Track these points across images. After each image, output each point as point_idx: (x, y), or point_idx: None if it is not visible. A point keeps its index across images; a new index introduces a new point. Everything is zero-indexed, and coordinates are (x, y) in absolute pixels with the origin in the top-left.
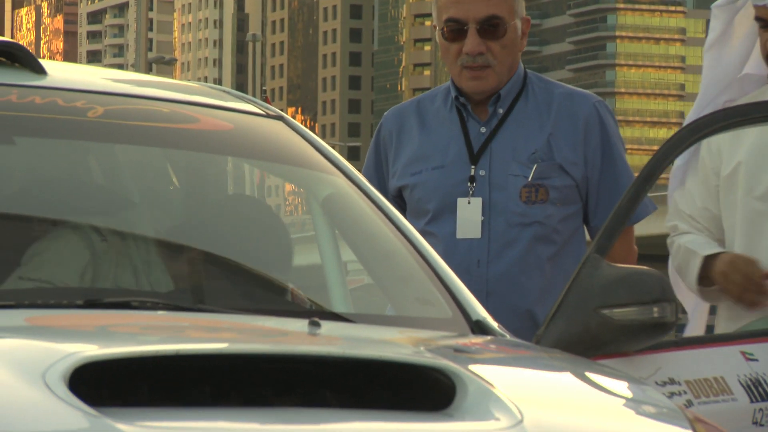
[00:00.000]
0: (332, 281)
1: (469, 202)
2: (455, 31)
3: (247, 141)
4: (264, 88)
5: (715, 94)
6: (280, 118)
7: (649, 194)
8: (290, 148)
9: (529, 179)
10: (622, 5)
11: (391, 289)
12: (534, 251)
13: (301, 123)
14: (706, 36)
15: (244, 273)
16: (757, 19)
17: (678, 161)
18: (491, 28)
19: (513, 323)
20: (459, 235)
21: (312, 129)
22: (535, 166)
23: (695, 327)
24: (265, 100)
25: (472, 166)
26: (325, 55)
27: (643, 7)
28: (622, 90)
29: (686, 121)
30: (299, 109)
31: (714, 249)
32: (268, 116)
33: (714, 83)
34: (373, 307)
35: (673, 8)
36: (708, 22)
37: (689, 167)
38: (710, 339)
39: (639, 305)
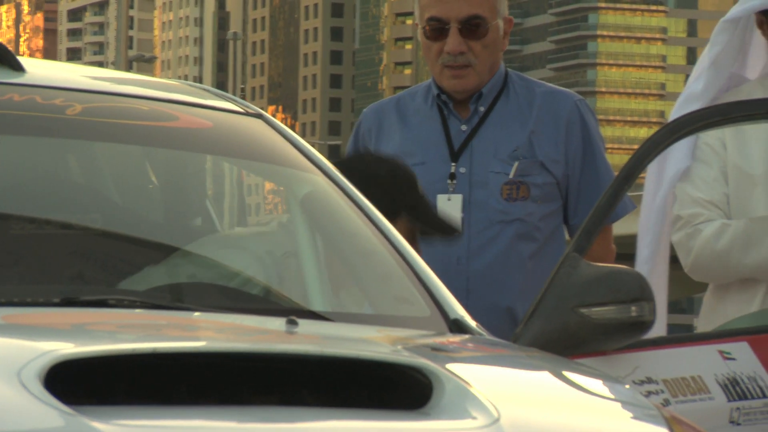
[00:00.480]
0: (310, 279)
1: (449, 199)
2: (437, 29)
3: (227, 139)
4: (242, 86)
5: (711, 96)
6: (259, 116)
7: (629, 193)
8: (269, 147)
9: (511, 176)
10: (603, 4)
11: (369, 287)
12: (515, 248)
13: (282, 121)
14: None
15: (221, 271)
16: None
17: (682, 162)
18: (473, 27)
19: (493, 321)
20: None
21: (292, 127)
22: (517, 163)
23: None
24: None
25: (453, 164)
26: (306, 54)
27: (625, 6)
28: (603, 89)
29: None
30: (280, 108)
31: None
32: (247, 114)
33: (712, 86)
34: (352, 306)
35: (654, 7)
36: (689, 21)
37: (688, 161)
38: (688, 338)
39: (617, 304)
